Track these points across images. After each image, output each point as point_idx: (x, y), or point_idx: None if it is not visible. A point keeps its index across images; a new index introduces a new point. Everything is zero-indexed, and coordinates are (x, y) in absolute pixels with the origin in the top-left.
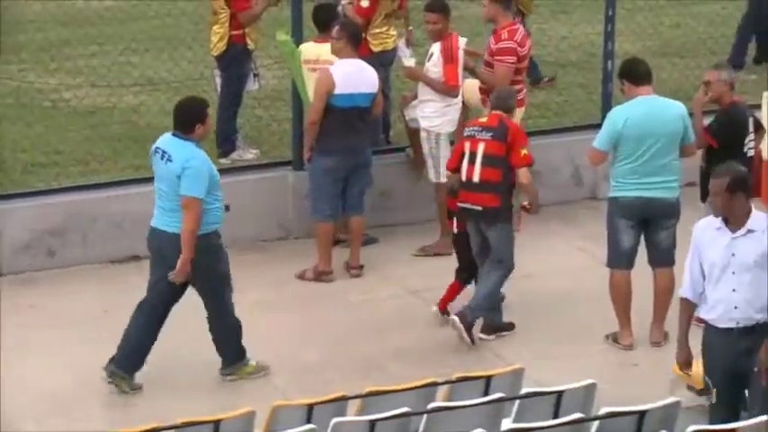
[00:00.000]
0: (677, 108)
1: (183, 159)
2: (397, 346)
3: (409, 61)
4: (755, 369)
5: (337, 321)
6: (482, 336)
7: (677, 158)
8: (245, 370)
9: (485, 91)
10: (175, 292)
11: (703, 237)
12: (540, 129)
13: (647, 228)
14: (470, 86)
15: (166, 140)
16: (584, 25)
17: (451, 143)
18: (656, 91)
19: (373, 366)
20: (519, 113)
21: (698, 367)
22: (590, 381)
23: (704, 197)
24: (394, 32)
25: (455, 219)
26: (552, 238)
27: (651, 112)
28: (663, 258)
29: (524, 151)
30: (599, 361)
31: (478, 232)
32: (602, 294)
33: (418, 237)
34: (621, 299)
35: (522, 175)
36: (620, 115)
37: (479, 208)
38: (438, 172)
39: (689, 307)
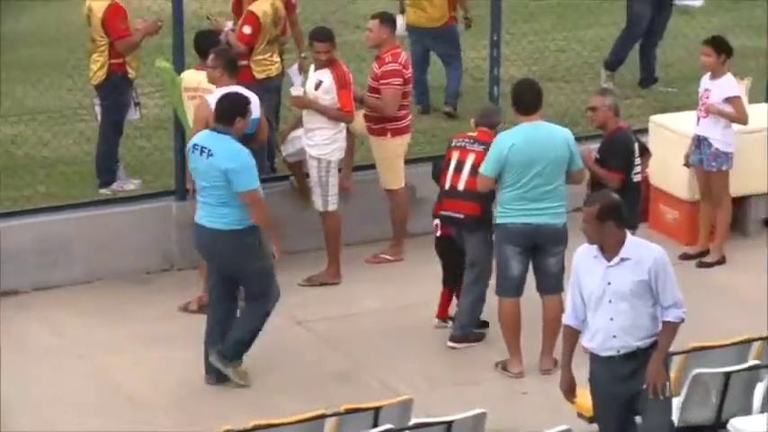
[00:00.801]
0: (563, 133)
1: (227, 156)
2: (285, 377)
3: (297, 90)
4: (644, 386)
5: None
6: (450, 344)
7: (563, 184)
8: (234, 370)
9: (370, 118)
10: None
11: (581, 265)
12: (428, 155)
13: (534, 254)
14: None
15: (205, 136)
16: (468, 50)
17: (340, 170)
18: (543, 116)
19: (260, 399)
20: (404, 140)
21: (586, 394)
22: (480, 410)
23: None
24: (278, 59)
25: (439, 223)
26: (439, 266)
27: (537, 137)
28: (551, 285)
29: None
30: (489, 389)
31: (460, 238)
32: (491, 322)
33: (304, 266)
34: (511, 326)
35: None
36: (505, 141)
37: (461, 216)
38: (326, 200)
39: (572, 334)
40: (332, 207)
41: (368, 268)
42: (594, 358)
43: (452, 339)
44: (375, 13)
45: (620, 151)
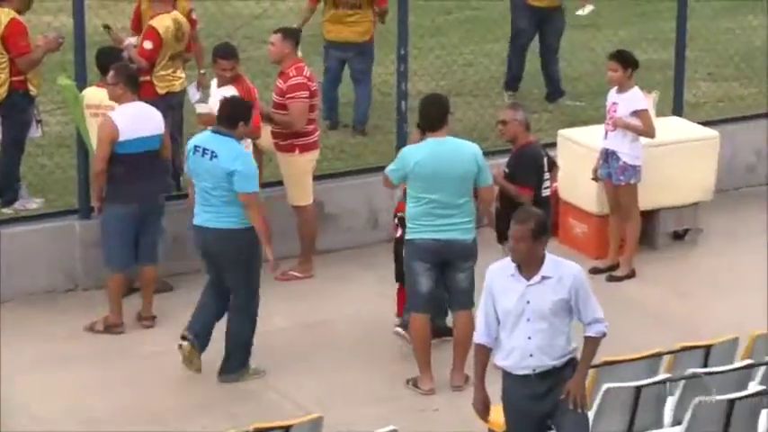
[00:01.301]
0: (471, 149)
1: (231, 157)
2: (191, 397)
3: (202, 107)
4: (562, 398)
5: (127, 375)
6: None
7: (471, 199)
8: (248, 373)
9: (278, 135)
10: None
11: (497, 283)
12: (336, 171)
13: (444, 270)
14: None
15: (206, 138)
16: (376, 66)
17: None
18: (451, 131)
19: (165, 419)
20: (312, 156)
21: (499, 411)
22: (391, 427)
23: (501, 238)
24: (182, 75)
25: (398, 223)
26: (349, 282)
27: (443, 153)
28: (462, 301)
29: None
30: (399, 406)
31: None
32: (401, 337)
33: None
34: (421, 343)
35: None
36: (411, 155)
37: None
38: None
39: (484, 352)
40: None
41: (277, 285)
42: (508, 376)
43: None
44: (277, 28)
45: (529, 166)
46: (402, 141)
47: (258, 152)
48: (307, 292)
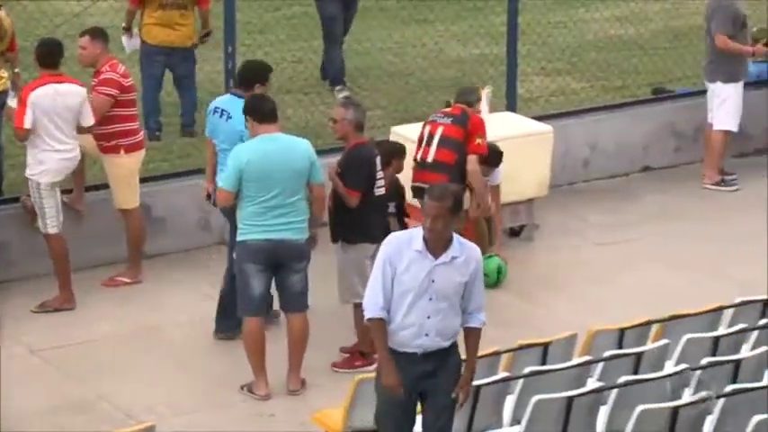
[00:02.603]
0: (303, 145)
1: (243, 119)
2: (19, 410)
3: (13, 102)
4: (453, 395)
5: None
6: None
7: (304, 198)
8: None
9: (101, 136)
10: None
11: (399, 256)
12: (164, 173)
13: (277, 272)
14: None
15: (225, 100)
16: (203, 63)
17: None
18: (283, 129)
19: None
20: (138, 156)
21: (335, 415)
22: None
23: (335, 238)
24: (5, 74)
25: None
26: (179, 286)
27: (275, 150)
28: (296, 303)
29: (479, 140)
30: (235, 413)
31: None
32: (236, 342)
33: (38, 292)
34: (255, 347)
35: (471, 162)
36: (242, 154)
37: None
38: (45, 223)
39: (382, 326)
40: (52, 230)
41: (105, 291)
42: (392, 353)
43: None
44: (84, 30)
45: (357, 168)
46: None
47: (81, 156)
48: (136, 298)
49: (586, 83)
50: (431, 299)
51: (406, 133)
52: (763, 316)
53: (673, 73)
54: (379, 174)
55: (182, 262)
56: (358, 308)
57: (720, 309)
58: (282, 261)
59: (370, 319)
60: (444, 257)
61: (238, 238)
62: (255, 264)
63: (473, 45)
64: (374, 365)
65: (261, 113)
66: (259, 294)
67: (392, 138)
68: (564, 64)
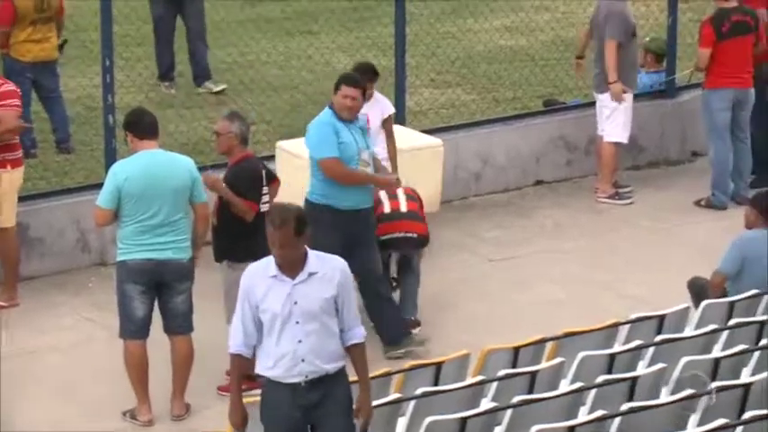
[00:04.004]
0: (184, 161)
1: None
2: None
3: None
4: (356, 420)
5: None
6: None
7: (187, 216)
8: None
9: None
10: None
11: (256, 286)
12: (41, 191)
13: (160, 293)
14: None
15: None
16: (79, 77)
17: None
18: (164, 145)
19: None
20: (20, 173)
21: None
22: None
23: (219, 257)
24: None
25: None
26: (57, 309)
27: (155, 166)
28: (180, 325)
29: None
30: None
31: (408, 254)
32: (116, 367)
33: None
34: (138, 371)
35: None
36: (121, 171)
37: (414, 235)
38: None
39: (242, 363)
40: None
41: None
42: (274, 387)
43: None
44: None
45: (251, 180)
46: (111, 157)
47: None
48: (12, 322)
49: (477, 95)
50: (297, 322)
51: (291, 148)
52: (658, 332)
53: (564, 84)
54: (265, 189)
55: (60, 284)
56: None
57: (615, 325)
58: (165, 281)
59: (230, 354)
60: (301, 276)
61: (118, 258)
62: (137, 284)
63: (360, 57)
64: (260, 389)
65: (141, 128)
66: (141, 316)
67: (277, 152)
68: (454, 76)
